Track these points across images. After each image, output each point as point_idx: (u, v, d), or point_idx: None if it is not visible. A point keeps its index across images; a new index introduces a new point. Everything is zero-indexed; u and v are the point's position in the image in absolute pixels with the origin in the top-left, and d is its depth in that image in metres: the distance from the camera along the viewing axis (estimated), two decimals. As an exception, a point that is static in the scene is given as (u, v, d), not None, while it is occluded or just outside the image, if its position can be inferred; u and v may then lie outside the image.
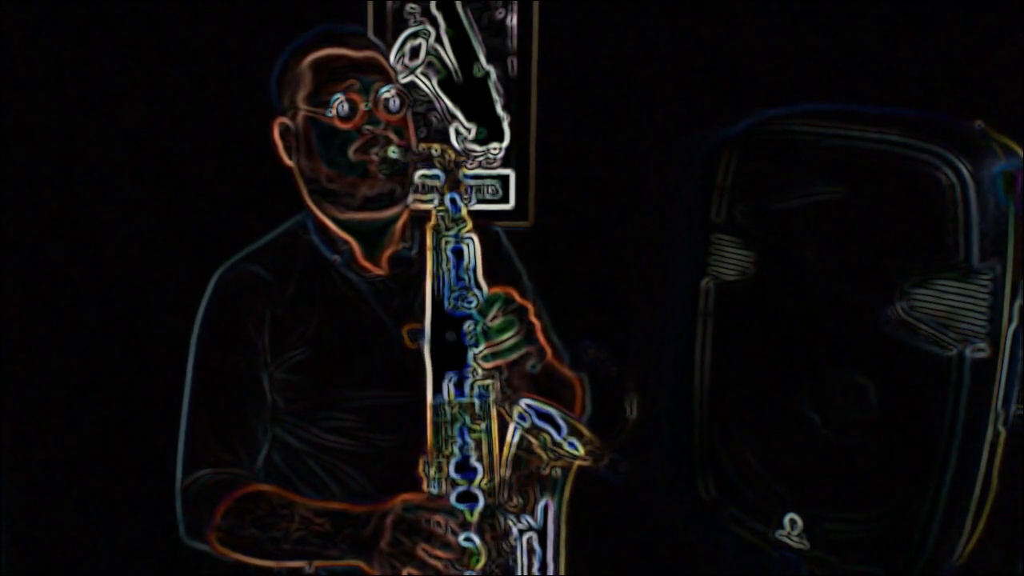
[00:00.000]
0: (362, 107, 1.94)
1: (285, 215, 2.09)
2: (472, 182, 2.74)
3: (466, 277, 1.85)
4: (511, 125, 2.75)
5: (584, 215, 2.78)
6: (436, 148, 1.87)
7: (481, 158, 2.75)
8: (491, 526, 1.83)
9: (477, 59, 2.72)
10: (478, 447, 1.84)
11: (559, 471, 1.82)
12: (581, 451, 1.78)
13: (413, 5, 2.67)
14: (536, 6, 2.70)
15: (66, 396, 2.64)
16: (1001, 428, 2.03)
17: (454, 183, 1.86)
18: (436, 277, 1.85)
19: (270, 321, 1.96)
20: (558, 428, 1.80)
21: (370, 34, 2.14)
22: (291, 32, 2.40)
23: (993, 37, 2.24)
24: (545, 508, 1.83)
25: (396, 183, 1.96)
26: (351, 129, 1.94)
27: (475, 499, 1.82)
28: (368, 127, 1.94)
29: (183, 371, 2.01)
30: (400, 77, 2.18)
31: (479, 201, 2.74)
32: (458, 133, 2.73)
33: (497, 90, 2.73)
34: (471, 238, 1.86)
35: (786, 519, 2.25)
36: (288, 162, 2.03)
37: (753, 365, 2.32)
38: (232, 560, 1.90)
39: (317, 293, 1.99)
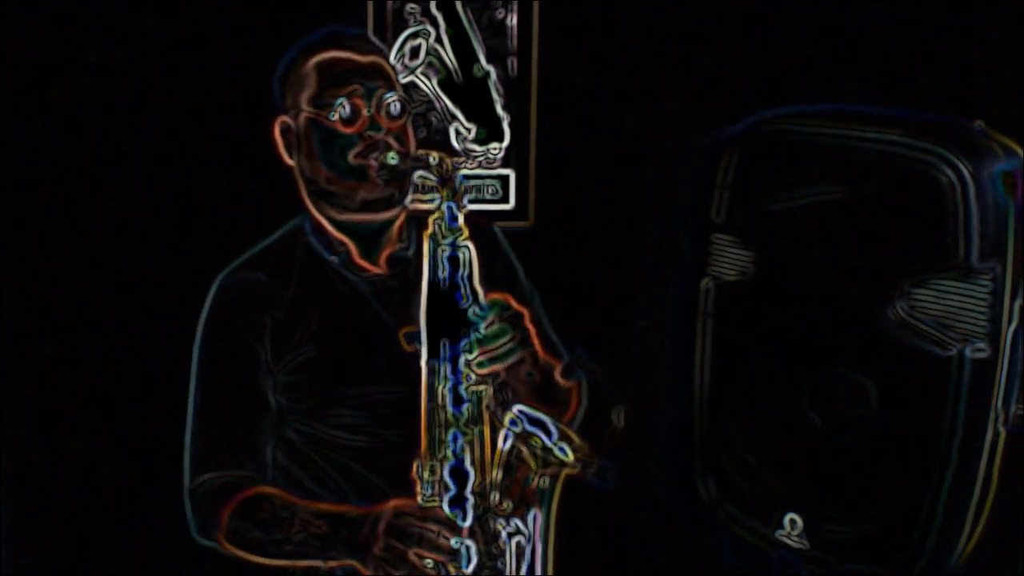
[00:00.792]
0: (364, 112, 1.95)
1: (286, 215, 2.10)
2: (472, 182, 2.74)
3: (462, 285, 1.86)
4: (511, 125, 2.75)
5: (584, 215, 2.78)
6: (434, 156, 1.87)
7: (481, 158, 2.75)
8: (482, 528, 1.84)
9: (477, 59, 2.72)
10: (471, 451, 1.85)
11: (547, 481, 1.84)
12: (571, 457, 1.80)
13: (413, 5, 2.67)
14: (536, 6, 2.70)
15: (68, 399, 2.64)
16: (1001, 428, 2.03)
17: (452, 191, 1.86)
18: (432, 284, 1.86)
19: (272, 326, 1.97)
20: (548, 434, 1.81)
21: (373, 37, 2.14)
22: (291, 31, 2.40)
23: (993, 37, 2.24)
24: (534, 518, 1.85)
25: (394, 188, 1.97)
26: (352, 133, 1.95)
27: (465, 503, 1.84)
28: (369, 132, 1.95)
29: (187, 374, 2.02)
30: (400, 77, 2.19)
31: (479, 201, 2.74)
32: (458, 133, 2.73)
33: (497, 90, 2.73)
34: (467, 246, 1.87)
35: (786, 519, 2.25)
36: (288, 161, 2.03)
37: (753, 365, 2.32)
38: (242, 559, 1.93)
39: (317, 294, 2.01)
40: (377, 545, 1.77)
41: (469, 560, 1.80)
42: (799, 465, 2.23)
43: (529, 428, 1.81)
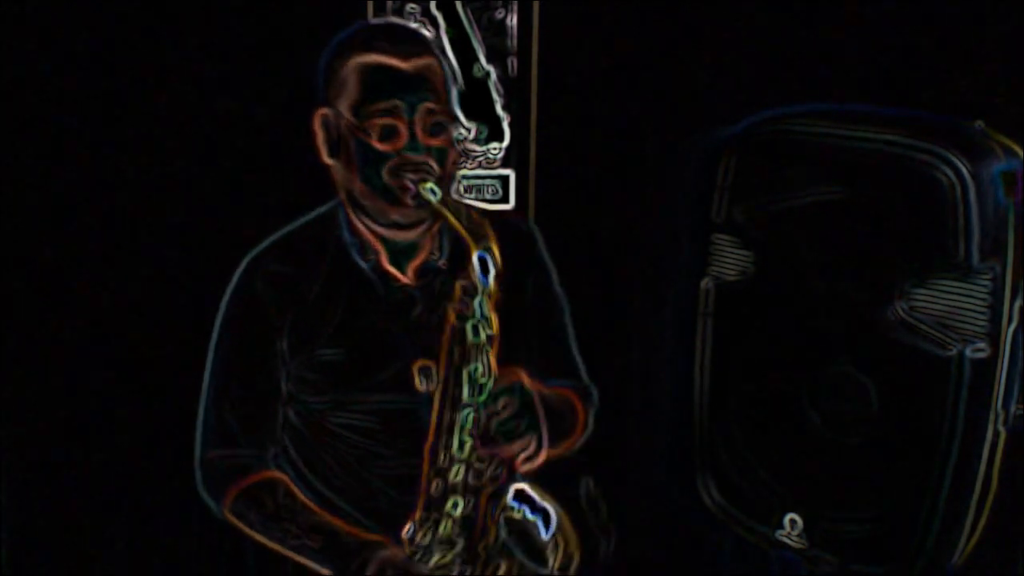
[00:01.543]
0: (403, 131, 1.86)
1: (311, 200, 2.05)
2: (473, 183, 2.74)
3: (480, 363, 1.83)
4: (511, 125, 2.75)
5: (584, 215, 2.78)
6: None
7: (481, 158, 2.75)
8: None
9: (477, 59, 2.72)
10: (465, 522, 1.85)
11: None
12: (551, 562, 1.80)
13: (413, 5, 2.67)
14: (536, 6, 2.70)
15: (69, 398, 2.64)
16: (1001, 428, 2.03)
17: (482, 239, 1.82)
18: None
19: (291, 321, 1.95)
20: (547, 525, 1.81)
21: (426, 30, 1.98)
22: (291, 31, 2.41)
23: (993, 37, 2.24)
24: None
25: (427, 212, 1.90)
26: (390, 151, 1.87)
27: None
28: (408, 152, 1.86)
29: (189, 373, 2.03)
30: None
31: (479, 201, 2.74)
32: (458, 133, 2.73)
33: (497, 90, 2.73)
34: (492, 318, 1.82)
35: (786, 519, 2.25)
36: (326, 160, 1.95)
37: (753, 365, 2.32)
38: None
39: (341, 295, 1.96)
40: None
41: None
42: (799, 465, 2.23)
43: (530, 516, 1.81)
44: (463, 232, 1.82)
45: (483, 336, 1.82)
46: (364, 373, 1.95)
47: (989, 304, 1.99)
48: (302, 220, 2.03)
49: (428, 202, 1.84)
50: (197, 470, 1.99)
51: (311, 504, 1.93)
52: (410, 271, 1.99)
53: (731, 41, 2.60)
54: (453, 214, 1.84)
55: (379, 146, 1.87)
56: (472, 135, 2.73)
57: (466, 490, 1.84)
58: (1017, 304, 2.00)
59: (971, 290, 2.00)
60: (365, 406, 1.96)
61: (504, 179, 2.77)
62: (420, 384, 1.92)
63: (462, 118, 2.71)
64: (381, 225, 1.95)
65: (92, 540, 2.68)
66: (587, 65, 2.73)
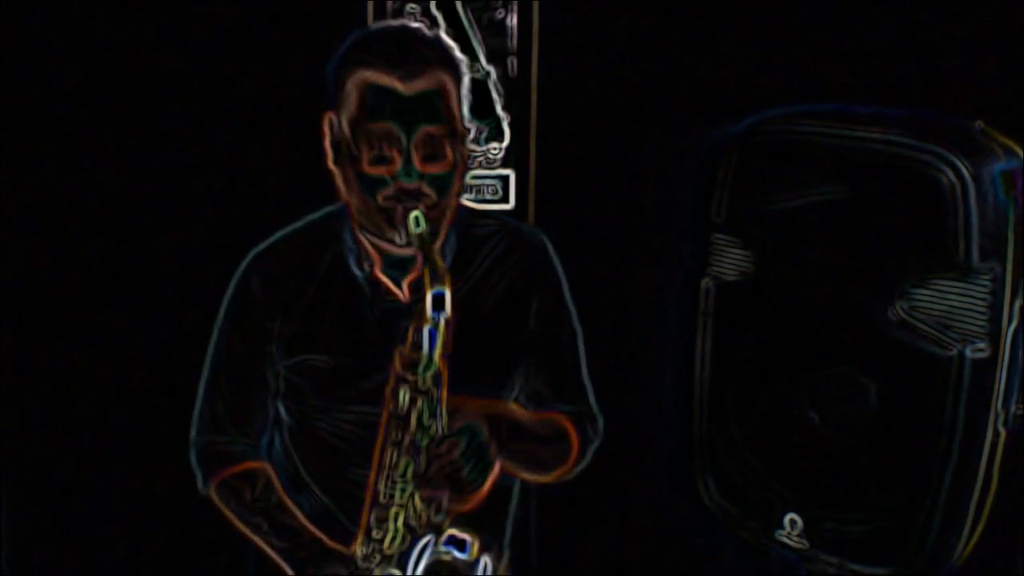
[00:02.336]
0: (396, 158, 1.81)
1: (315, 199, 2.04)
2: (472, 183, 2.74)
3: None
4: (511, 125, 2.75)
5: (584, 215, 2.78)
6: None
7: (481, 158, 2.75)
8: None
9: (477, 59, 2.72)
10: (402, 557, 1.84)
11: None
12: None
13: (413, 5, 2.67)
14: (536, 6, 2.70)
15: (68, 398, 2.64)
16: (1001, 428, 2.03)
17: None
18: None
19: (281, 326, 1.96)
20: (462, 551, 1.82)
21: (443, 40, 1.92)
22: (291, 31, 2.41)
23: (993, 37, 2.24)
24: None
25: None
26: (385, 175, 1.82)
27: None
28: (402, 179, 1.81)
29: (188, 372, 2.05)
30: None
31: (480, 201, 2.74)
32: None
33: (497, 90, 2.73)
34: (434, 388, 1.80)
35: (786, 519, 2.25)
36: (331, 165, 1.91)
37: (753, 365, 2.32)
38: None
39: (334, 304, 1.96)
40: None
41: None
42: (799, 465, 2.23)
43: (459, 556, 1.81)
44: (426, 272, 1.77)
45: (429, 380, 1.79)
46: (346, 383, 1.95)
47: (989, 304, 1.99)
48: (310, 217, 2.02)
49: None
50: (191, 449, 2.03)
51: (286, 501, 1.96)
52: (405, 287, 1.96)
53: (731, 41, 2.60)
54: (426, 251, 1.79)
55: (370, 171, 1.82)
56: (472, 135, 2.73)
57: (407, 529, 1.83)
58: (1017, 304, 2.00)
59: (971, 290, 2.00)
60: (345, 415, 1.96)
61: (504, 179, 2.77)
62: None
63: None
64: (377, 238, 1.93)
65: (92, 540, 2.68)
66: (587, 65, 2.73)
